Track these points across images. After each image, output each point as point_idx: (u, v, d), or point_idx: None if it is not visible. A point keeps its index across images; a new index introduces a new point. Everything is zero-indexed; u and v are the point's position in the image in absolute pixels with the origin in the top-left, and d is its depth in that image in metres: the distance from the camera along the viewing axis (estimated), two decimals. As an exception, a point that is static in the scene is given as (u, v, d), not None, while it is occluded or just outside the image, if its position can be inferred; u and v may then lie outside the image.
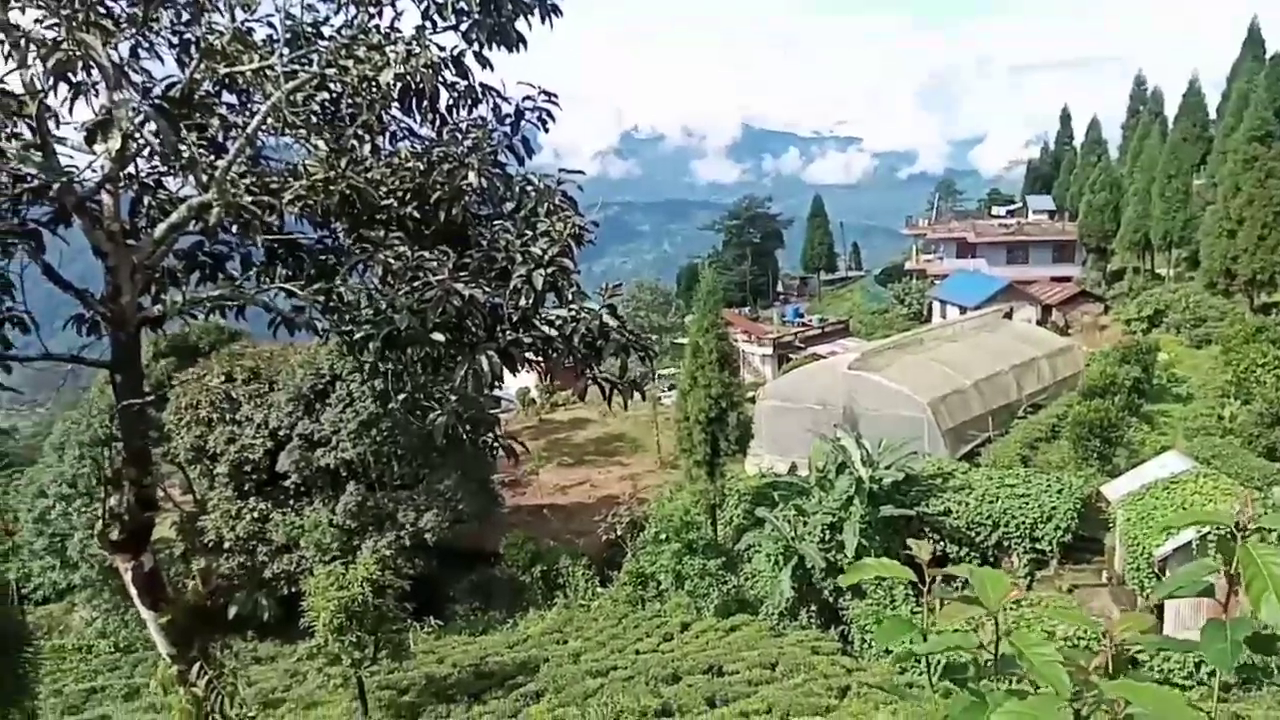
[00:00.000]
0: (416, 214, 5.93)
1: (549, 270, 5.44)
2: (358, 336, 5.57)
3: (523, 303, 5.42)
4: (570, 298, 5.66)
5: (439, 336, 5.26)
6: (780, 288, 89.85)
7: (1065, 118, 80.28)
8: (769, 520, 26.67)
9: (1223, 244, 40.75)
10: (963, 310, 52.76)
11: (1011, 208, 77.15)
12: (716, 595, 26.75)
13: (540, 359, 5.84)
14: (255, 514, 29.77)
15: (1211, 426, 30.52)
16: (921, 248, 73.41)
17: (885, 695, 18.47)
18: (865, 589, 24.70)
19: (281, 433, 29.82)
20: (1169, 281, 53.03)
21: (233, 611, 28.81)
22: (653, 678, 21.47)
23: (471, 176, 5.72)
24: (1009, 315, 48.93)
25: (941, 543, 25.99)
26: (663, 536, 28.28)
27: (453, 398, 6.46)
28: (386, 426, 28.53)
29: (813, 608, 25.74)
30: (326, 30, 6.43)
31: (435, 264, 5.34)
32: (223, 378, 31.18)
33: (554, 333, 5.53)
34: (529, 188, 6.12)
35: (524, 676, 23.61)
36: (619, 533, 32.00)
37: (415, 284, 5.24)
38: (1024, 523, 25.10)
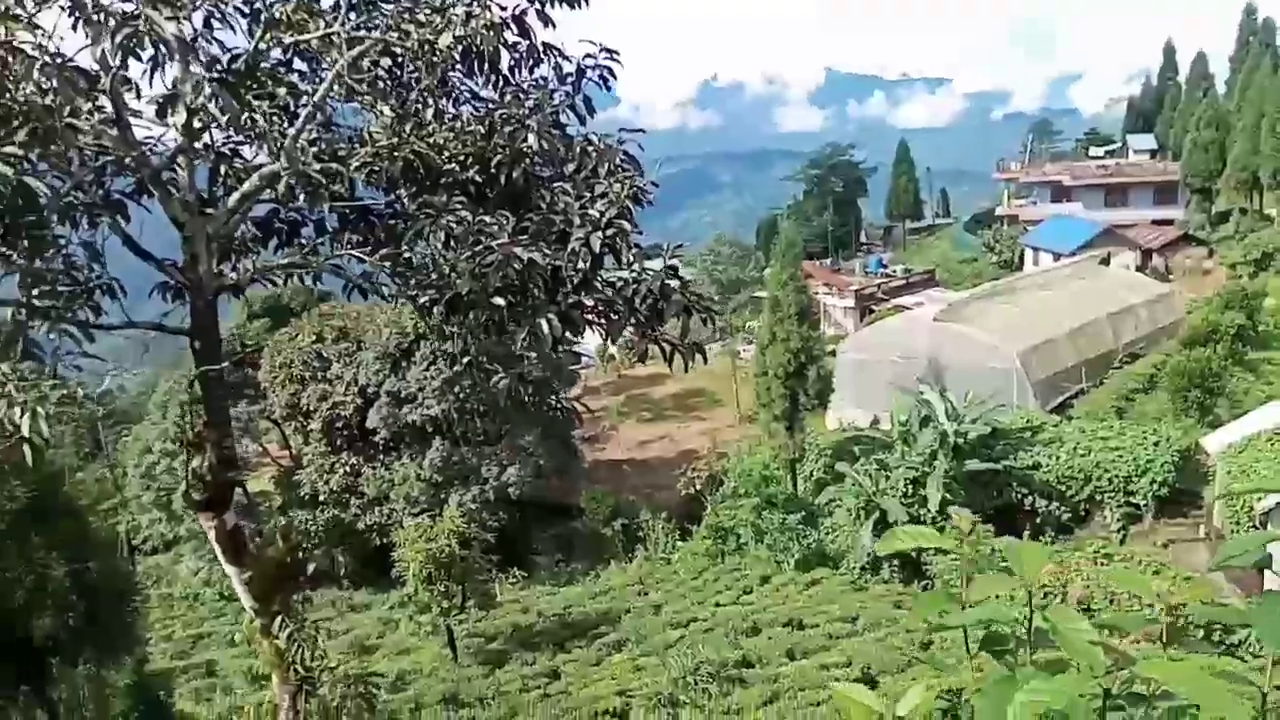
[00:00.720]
0: (479, 178, 5.98)
1: (607, 233, 5.42)
2: (422, 301, 5.68)
3: (581, 265, 5.44)
4: (631, 259, 5.64)
5: (499, 300, 5.33)
6: (864, 238, 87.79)
7: (1169, 51, 75.80)
8: (850, 475, 26.45)
9: (1340, 181, 38.17)
10: (1056, 257, 50.70)
11: (1110, 148, 73.48)
12: (796, 549, 26.72)
13: (602, 321, 5.85)
14: (347, 468, 30.89)
15: (1322, 375, 28.92)
16: (1014, 193, 70.62)
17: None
18: (949, 544, 24.39)
19: (370, 390, 30.74)
20: (1278, 223, 49.97)
21: (311, 568, 29.84)
22: (733, 630, 21.67)
23: (531, 139, 5.73)
24: (1106, 261, 46.88)
25: (1030, 497, 25.40)
26: (742, 491, 28.34)
27: (531, 355, 6.50)
28: (468, 384, 29.12)
29: (895, 562, 25.49)
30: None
31: (496, 228, 5.38)
32: (313, 337, 32.23)
33: (615, 295, 5.53)
34: (589, 148, 6.09)
35: (606, 626, 24.11)
36: (698, 487, 32.17)
37: (477, 248, 5.30)
38: (1117, 476, 24.32)
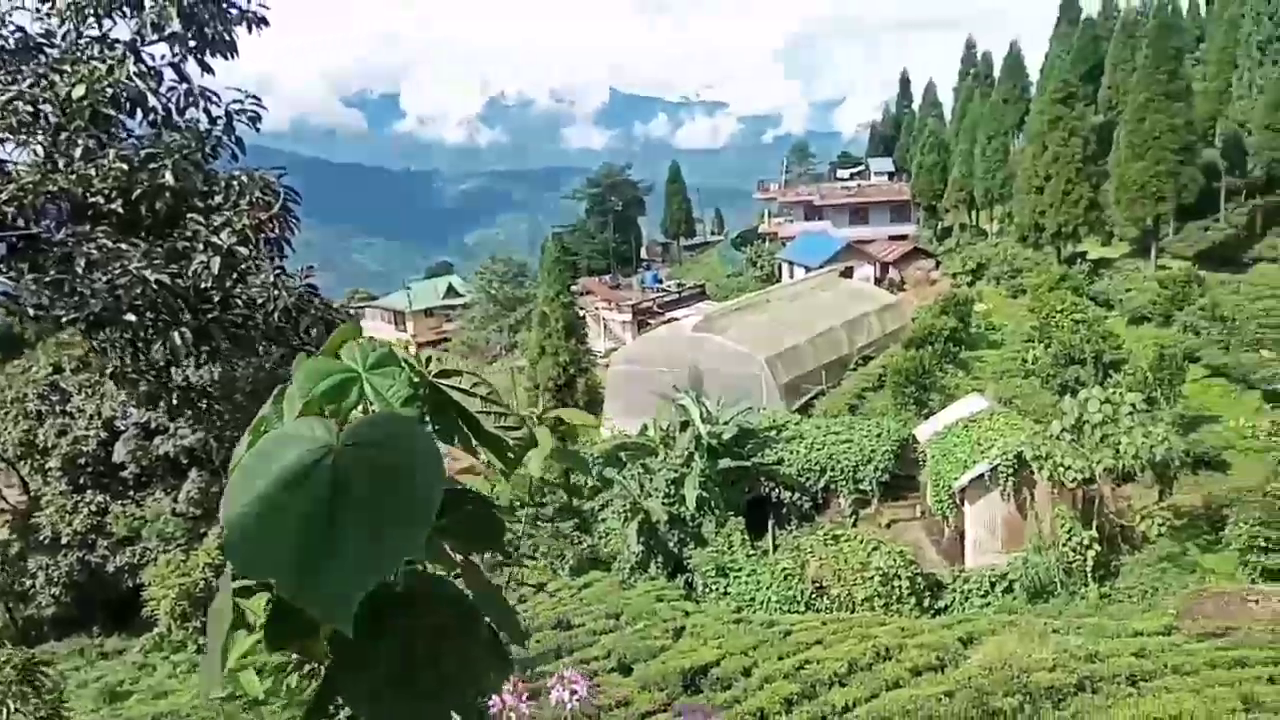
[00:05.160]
0: (122, 209, 6.48)
1: (230, 258, 6.13)
2: (64, 320, 6.13)
3: (204, 285, 6.12)
4: (272, 279, 6.35)
5: (131, 317, 5.90)
6: (644, 254, 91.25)
7: (905, 82, 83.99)
8: (617, 480, 27.87)
9: (1032, 199, 44.11)
10: (808, 270, 55.14)
11: (856, 170, 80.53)
12: (571, 555, 27.79)
13: (240, 334, 6.51)
14: (93, 507, 28.98)
15: (1015, 369, 33.38)
16: (775, 211, 75.88)
17: (713, 632, 20.02)
18: (706, 537, 26.31)
19: (117, 422, 29.06)
20: (991, 236, 56.87)
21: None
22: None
23: (168, 175, 6.32)
24: (848, 273, 51.52)
25: (776, 490, 27.78)
26: (517, 503, 29.11)
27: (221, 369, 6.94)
28: (227, 410, 28.19)
29: (659, 559, 27.10)
30: (60, 41, 6.84)
31: (132, 252, 5.93)
32: (50, 369, 30.05)
33: (254, 310, 6.23)
34: (233, 182, 6.76)
35: (379, 646, 24.06)
36: (475, 502, 32.55)
37: (115, 272, 5.83)
38: (848, 466, 27.07)
